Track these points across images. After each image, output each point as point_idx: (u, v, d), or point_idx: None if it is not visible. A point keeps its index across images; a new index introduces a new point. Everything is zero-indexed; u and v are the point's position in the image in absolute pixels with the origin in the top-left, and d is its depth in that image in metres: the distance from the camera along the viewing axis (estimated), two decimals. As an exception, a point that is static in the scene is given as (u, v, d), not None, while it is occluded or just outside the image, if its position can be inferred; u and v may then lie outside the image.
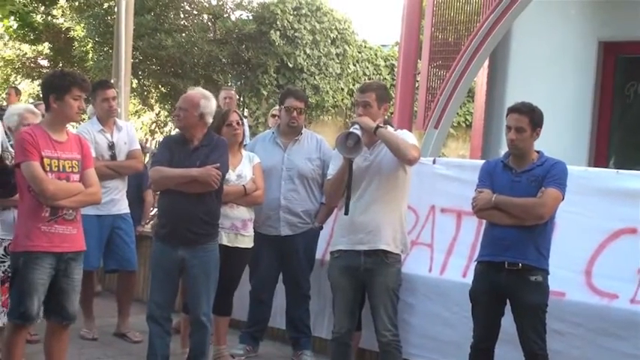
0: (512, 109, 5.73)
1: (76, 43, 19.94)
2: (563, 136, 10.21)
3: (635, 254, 5.97)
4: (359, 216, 6.06)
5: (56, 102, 5.73)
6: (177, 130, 6.74)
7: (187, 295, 6.61)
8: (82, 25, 19.32)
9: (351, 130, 5.92)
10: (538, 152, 5.75)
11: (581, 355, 5.99)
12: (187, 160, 6.32)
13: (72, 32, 20.57)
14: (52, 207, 5.64)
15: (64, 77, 5.82)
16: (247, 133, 8.48)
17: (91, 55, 19.03)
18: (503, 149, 5.92)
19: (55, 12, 21.38)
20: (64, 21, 21.24)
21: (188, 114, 6.37)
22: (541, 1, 10.49)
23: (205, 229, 6.38)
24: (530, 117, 5.65)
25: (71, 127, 6.47)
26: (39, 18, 21.51)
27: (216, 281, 6.47)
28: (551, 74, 11.26)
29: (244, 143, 7.30)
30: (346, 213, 6.02)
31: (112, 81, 11.07)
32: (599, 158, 11.02)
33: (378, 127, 6.01)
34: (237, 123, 7.01)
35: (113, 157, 7.69)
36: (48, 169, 5.62)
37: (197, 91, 6.56)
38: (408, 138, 6.15)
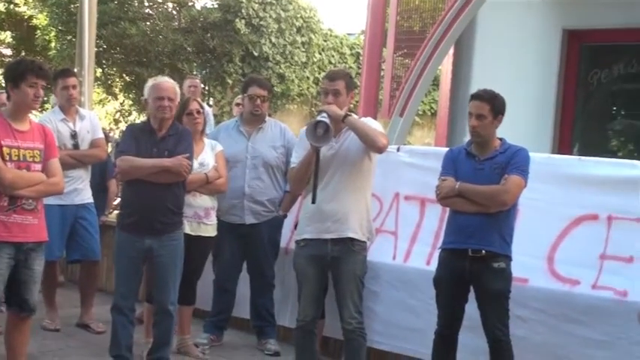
0: (474, 96, 5.74)
1: (38, 31, 19.76)
2: (527, 124, 10.28)
3: (596, 240, 6.01)
4: (326, 204, 6.05)
5: (13, 90, 5.68)
6: (142, 118, 6.69)
7: (154, 284, 6.56)
8: (45, 13, 19.14)
9: (319, 118, 5.89)
10: (500, 139, 5.76)
11: (543, 340, 6.03)
12: (155, 150, 6.28)
13: (34, 20, 20.39)
14: (11, 196, 5.57)
15: (18, 65, 5.76)
16: (211, 121, 8.43)
17: (53, 44, 18.87)
18: (468, 137, 5.93)
19: (17, 0, 21.17)
20: (27, 9, 21.04)
21: (174, 104, 6.38)
22: (505, -11, 10.54)
23: (172, 218, 6.36)
24: (492, 104, 5.66)
25: (33, 117, 6.40)
26: (1, 6, 21.29)
27: (181, 270, 6.46)
28: (515, 62, 11.32)
29: (206, 132, 7.27)
30: (313, 202, 6.00)
31: (76, 70, 10.97)
32: (563, 145, 11.10)
33: (346, 115, 6.01)
34: (197, 112, 6.98)
35: (76, 146, 7.61)
36: (7, 158, 5.55)
37: (170, 80, 6.54)
38: (374, 125, 6.16)
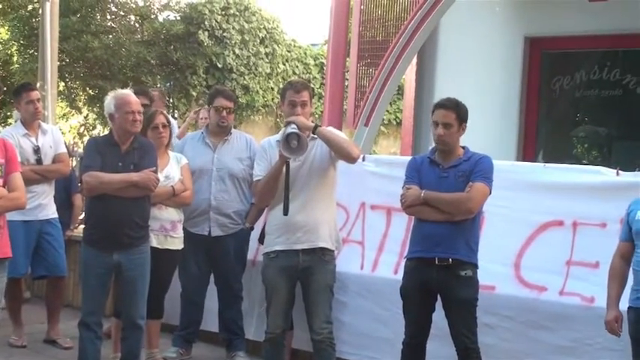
0: (439, 105, 5.75)
1: (0, 46, 19.60)
2: (491, 131, 10.33)
3: (562, 246, 6.07)
4: (296, 215, 6.05)
5: None
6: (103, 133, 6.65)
7: (122, 299, 6.52)
8: (6, 27, 19.01)
9: (290, 130, 5.89)
10: (463, 148, 5.79)
11: (511, 347, 6.06)
12: (120, 164, 6.25)
13: (-5, 35, 20.25)
14: (-28, 213, 5.51)
15: None
16: (176, 132, 8.39)
17: (15, 59, 18.74)
18: (433, 146, 5.95)
19: (-22, 15, 21.00)
20: (-12, 24, 20.88)
21: (141, 117, 6.35)
22: (467, -3, 10.59)
23: (139, 232, 6.34)
24: (457, 112, 5.68)
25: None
26: (-39, 21, 21.11)
27: (148, 283, 6.42)
28: (478, 70, 11.37)
29: (172, 143, 7.24)
30: (285, 213, 5.99)
31: (39, 84, 10.92)
32: (527, 152, 11.16)
33: (316, 126, 6.03)
34: (163, 126, 6.95)
35: (39, 161, 7.55)
36: (-32, 174, 5.49)
37: (132, 93, 6.50)
38: (342, 135, 6.21)
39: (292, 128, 5.91)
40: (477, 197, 5.55)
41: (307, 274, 6.10)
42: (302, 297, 6.23)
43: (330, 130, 6.17)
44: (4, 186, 5.68)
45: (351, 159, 6.08)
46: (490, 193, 5.62)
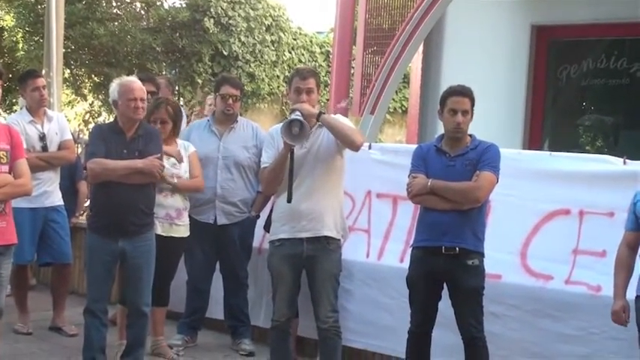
0: (456, 92, 5.70)
1: (5, 33, 19.55)
2: (497, 120, 10.31)
3: (569, 235, 6.05)
4: (301, 203, 6.05)
5: None
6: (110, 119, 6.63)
7: (127, 286, 6.53)
8: (12, 14, 18.95)
9: (293, 117, 5.89)
10: (470, 136, 5.76)
11: (517, 336, 6.05)
12: (125, 151, 6.24)
13: (1, 22, 20.18)
14: (-22, 200, 5.51)
15: None
16: (184, 120, 8.37)
17: (21, 45, 18.67)
18: (439, 134, 5.93)
19: (-17, 3, 20.97)
20: (-7, 11, 20.84)
21: (145, 105, 6.34)
22: (474, -15, 10.57)
23: (144, 219, 6.34)
24: (471, 99, 5.67)
25: (1, 119, 6.33)
26: (-34, 9, 21.09)
27: (153, 270, 6.42)
28: (485, 58, 11.34)
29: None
30: (289, 201, 5.99)
31: (44, 71, 10.90)
32: (533, 141, 11.15)
33: (320, 113, 6.02)
34: (162, 121, 6.87)
35: (44, 148, 7.55)
36: (-26, 161, 5.50)
37: (137, 80, 6.47)
38: (347, 123, 6.19)
39: (296, 115, 5.91)
40: (485, 186, 5.53)
41: (312, 262, 6.10)
42: (307, 285, 6.23)
43: (335, 118, 6.16)
44: (9, 172, 5.69)
45: (354, 147, 6.07)
46: (497, 181, 5.60)
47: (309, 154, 6.10)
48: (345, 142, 6.04)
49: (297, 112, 5.94)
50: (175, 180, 6.80)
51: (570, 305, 5.85)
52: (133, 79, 6.49)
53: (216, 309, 7.55)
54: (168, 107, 6.96)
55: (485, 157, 5.58)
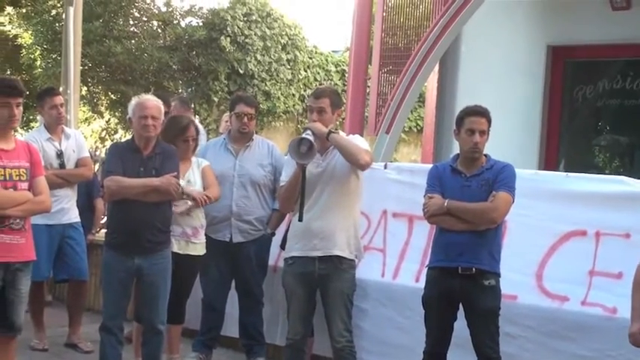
0: (474, 113, 5.71)
1: (23, 50, 19.67)
2: (513, 140, 10.30)
3: (585, 256, 6.04)
4: (313, 222, 6.06)
5: None
6: (127, 137, 6.66)
7: (143, 303, 6.54)
8: (30, 32, 19.07)
9: (303, 135, 5.92)
10: (486, 156, 5.77)
11: (533, 357, 6.04)
12: (142, 169, 6.27)
13: (19, 39, 20.30)
14: (-2, 216, 5.55)
15: None
16: (204, 139, 8.43)
17: (39, 63, 18.79)
18: (454, 154, 5.93)
19: (1, 19, 21.08)
20: (12, 28, 20.94)
21: (159, 122, 6.36)
22: (490, 6, 10.57)
23: (161, 237, 6.36)
24: (489, 119, 5.69)
25: (19, 136, 6.38)
26: (-15, 26, 21.24)
27: (169, 288, 6.43)
28: (500, 78, 11.35)
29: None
30: (300, 219, 6.01)
31: (61, 88, 10.97)
32: (549, 162, 11.13)
33: (330, 132, 6.03)
34: (193, 139, 6.98)
35: (62, 165, 7.60)
36: (-6, 178, 5.54)
37: (155, 98, 6.51)
38: (360, 143, 6.19)
39: (306, 134, 5.94)
40: (501, 207, 5.54)
41: (324, 281, 6.11)
42: (322, 304, 6.24)
43: (343, 137, 6.15)
44: (29, 189, 5.73)
45: (359, 166, 6.07)
46: (513, 202, 5.60)
47: (325, 173, 6.12)
48: (350, 160, 6.04)
49: (308, 131, 5.97)
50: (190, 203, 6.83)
51: (586, 327, 5.83)
52: (148, 97, 6.52)
53: (231, 327, 7.55)
54: (194, 126, 7.06)
55: (501, 178, 5.58)
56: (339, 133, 6.15)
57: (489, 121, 5.69)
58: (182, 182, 6.62)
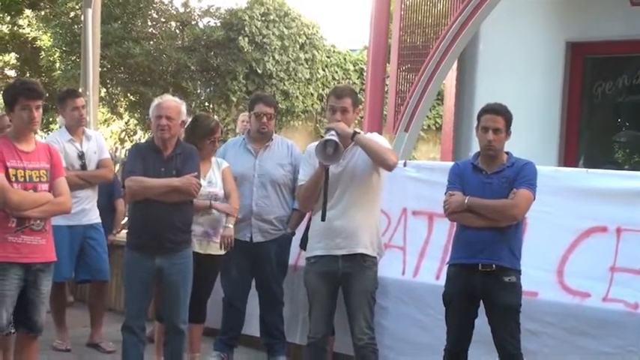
0: (489, 110, 5.72)
1: (42, 52, 19.79)
2: (532, 137, 10.27)
3: (606, 252, 6.02)
4: (336, 221, 6.07)
5: (10, 114, 5.75)
6: (146, 138, 6.70)
7: (164, 303, 6.56)
8: (49, 34, 19.19)
9: (328, 137, 5.90)
10: (507, 153, 5.77)
11: (554, 354, 6.02)
12: (163, 169, 6.29)
13: (38, 42, 20.43)
14: (19, 217, 5.59)
15: (10, 89, 5.81)
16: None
17: (58, 65, 18.90)
18: (474, 151, 5.93)
19: (20, 22, 21.21)
20: (31, 31, 21.08)
21: (175, 123, 6.34)
22: (508, 3, 10.54)
23: (182, 236, 6.38)
24: (506, 117, 5.67)
25: (40, 138, 6.45)
26: (5, 28, 21.34)
27: (190, 288, 6.46)
28: (519, 75, 11.33)
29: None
30: (323, 219, 6.02)
31: (80, 90, 11.02)
32: (568, 158, 11.10)
33: (355, 132, 6.03)
34: (218, 140, 7.04)
35: (83, 166, 7.63)
36: (13, 179, 5.58)
37: (174, 99, 6.53)
38: (382, 142, 6.19)
39: (331, 135, 5.92)
40: (522, 204, 5.53)
41: (348, 279, 6.12)
42: (344, 302, 6.25)
43: (369, 137, 6.15)
44: (49, 191, 5.77)
45: (386, 166, 6.08)
46: (534, 199, 5.60)
47: (345, 172, 6.12)
48: (377, 161, 6.04)
49: (332, 132, 5.95)
50: (210, 202, 6.86)
51: (608, 323, 5.81)
52: (168, 98, 6.53)
53: (252, 326, 7.56)
54: (220, 128, 7.17)
55: (522, 175, 5.58)
56: (361, 133, 6.14)
57: (507, 120, 5.68)
58: (203, 182, 6.65)
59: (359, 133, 6.09)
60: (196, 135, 6.82)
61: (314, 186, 6.12)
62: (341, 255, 6.10)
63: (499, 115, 5.67)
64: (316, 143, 6.15)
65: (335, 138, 5.87)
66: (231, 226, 6.85)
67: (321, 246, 6.17)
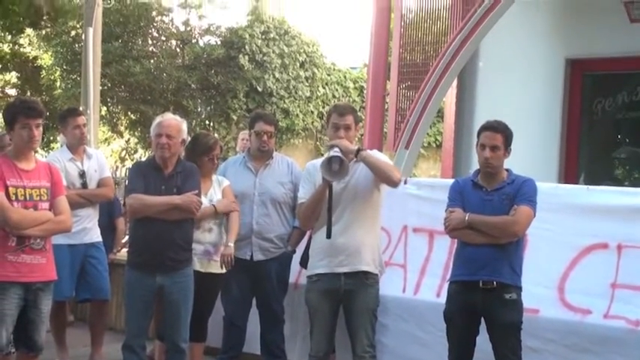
0: (487, 128, 5.73)
1: (43, 71, 19.87)
2: (532, 154, 10.26)
3: (607, 269, 6.02)
4: (338, 238, 6.06)
5: (10, 133, 5.76)
6: (146, 156, 6.72)
7: (165, 322, 6.56)
8: (50, 53, 19.26)
9: (332, 153, 5.90)
10: (507, 170, 5.77)
11: (556, 371, 6.01)
12: (163, 187, 6.30)
13: (39, 61, 20.50)
14: (19, 236, 5.59)
15: (8, 109, 5.83)
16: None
17: (59, 84, 18.96)
18: (474, 168, 5.94)
19: (21, 41, 21.27)
20: (31, 50, 21.15)
21: (175, 141, 6.36)
22: (507, 20, 10.56)
23: (183, 255, 6.39)
24: (504, 135, 5.67)
25: (40, 157, 6.46)
26: (5, 47, 21.41)
27: (191, 306, 6.44)
28: (519, 92, 11.33)
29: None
30: (329, 236, 6.00)
31: (81, 109, 11.04)
32: (568, 175, 11.09)
33: (359, 149, 6.04)
34: (217, 157, 7.03)
35: (84, 185, 7.63)
36: (13, 198, 5.59)
37: (175, 117, 6.56)
38: (385, 159, 6.21)
39: (335, 152, 5.91)
40: (523, 220, 5.53)
41: (350, 297, 6.10)
42: (344, 319, 6.24)
43: (373, 155, 6.16)
44: (50, 209, 5.77)
45: (391, 183, 6.09)
46: (535, 215, 5.60)
47: (347, 189, 6.12)
48: (383, 178, 6.05)
49: (336, 149, 5.95)
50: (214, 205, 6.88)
51: (609, 340, 5.80)
52: (169, 117, 6.56)
53: (253, 344, 7.53)
54: (220, 145, 7.18)
55: (522, 192, 5.58)
56: (366, 150, 6.15)
57: (506, 137, 5.68)
58: (204, 200, 6.66)
59: (363, 149, 6.09)
60: (195, 153, 6.84)
61: (315, 204, 6.12)
62: (343, 272, 6.09)
63: (497, 132, 5.68)
64: (316, 161, 6.16)
65: (339, 154, 5.88)
66: (231, 244, 6.85)
67: (323, 264, 6.16)
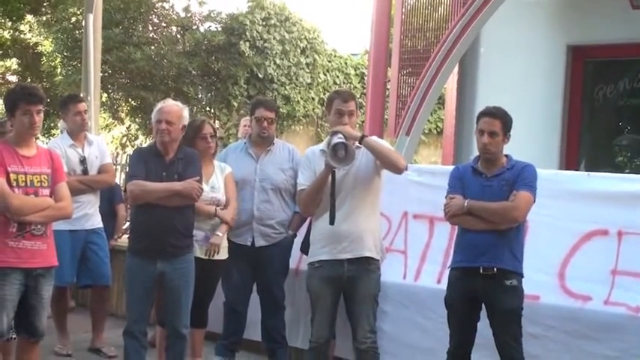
0: (485, 113, 5.73)
1: (44, 58, 19.80)
2: (533, 140, 10.27)
3: (607, 255, 6.02)
4: (340, 225, 6.07)
5: (11, 119, 5.76)
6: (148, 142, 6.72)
7: (166, 308, 6.56)
8: (50, 39, 19.19)
9: (337, 140, 5.89)
10: (507, 156, 5.77)
11: (556, 357, 6.02)
12: (164, 173, 6.30)
13: (40, 47, 20.44)
14: (20, 222, 5.60)
15: (9, 95, 5.82)
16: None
17: (59, 70, 18.89)
18: (475, 155, 5.94)
19: (22, 27, 21.23)
20: (32, 36, 21.10)
21: (175, 127, 6.35)
22: (509, 7, 10.54)
23: (183, 241, 6.39)
24: (503, 121, 5.67)
25: (41, 143, 6.46)
26: (6, 33, 21.38)
27: (192, 293, 6.46)
28: (520, 79, 11.33)
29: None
30: (332, 223, 6.01)
31: (82, 95, 11.03)
32: (569, 161, 11.09)
33: (363, 136, 6.03)
34: (211, 135, 7.01)
35: (85, 171, 7.65)
36: (14, 184, 5.59)
37: (176, 103, 6.54)
38: (387, 145, 6.22)
39: (339, 138, 5.91)
40: (523, 206, 5.53)
41: (352, 283, 6.12)
42: (344, 306, 6.24)
43: (377, 140, 6.18)
44: (50, 196, 5.77)
45: (396, 170, 6.09)
46: (534, 201, 5.60)
47: (348, 175, 6.12)
48: (387, 164, 6.06)
49: (340, 135, 5.95)
50: (216, 209, 6.87)
51: (609, 326, 5.81)
52: (169, 103, 6.55)
53: (253, 330, 7.54)
54: (209, 124, 7.12)
55: (522, 177, 5.58)
56: (370, 137, 6.15)
57: (505, 123, 5.68)
58: (206, 187, 6.66)
59: (367, 136, 6.09)
60: (187, 137, 6.79)
61: (317, 190, 6.13)
62: (346, 259, 6.10)
63: (496, 118, 5.68)
64: (316, 147, 6.17)
65: (344, 140, 5.87)
66: (220, 234, 6.85)
67: (326, 250, 6.17)
